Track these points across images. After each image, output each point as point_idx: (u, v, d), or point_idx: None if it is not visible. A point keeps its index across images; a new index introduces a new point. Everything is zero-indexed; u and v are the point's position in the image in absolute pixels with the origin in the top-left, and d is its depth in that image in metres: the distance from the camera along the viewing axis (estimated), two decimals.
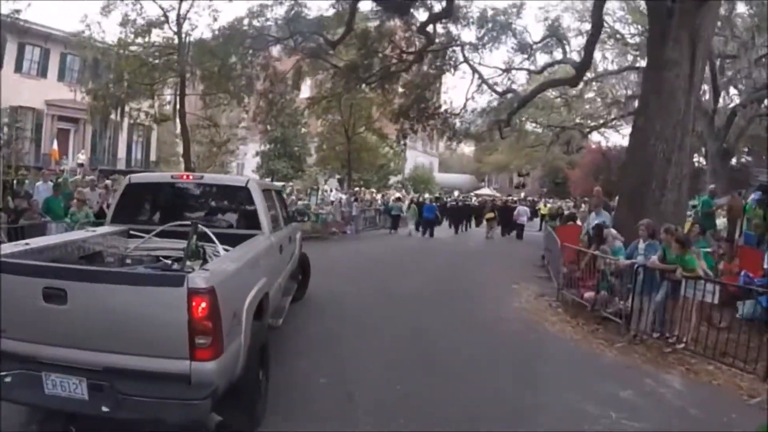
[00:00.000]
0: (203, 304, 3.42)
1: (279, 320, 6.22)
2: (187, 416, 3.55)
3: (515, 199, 36.67)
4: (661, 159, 11.51)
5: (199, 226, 5.00)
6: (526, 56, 22.85)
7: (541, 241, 22.64)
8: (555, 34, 21.25)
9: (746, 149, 34.54)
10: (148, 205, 6.43)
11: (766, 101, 27.85)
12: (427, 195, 37.67)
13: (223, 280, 3.74)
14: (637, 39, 27.65)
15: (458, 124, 26.15)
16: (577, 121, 34.48)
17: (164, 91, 20.12)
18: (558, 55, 22.87)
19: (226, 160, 39.70)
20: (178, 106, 19.32)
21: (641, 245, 8.78)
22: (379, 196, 30.88)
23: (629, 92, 31.83)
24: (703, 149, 36.05)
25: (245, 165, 45.73)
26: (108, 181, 18.99)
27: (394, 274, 13.14)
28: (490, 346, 7.68)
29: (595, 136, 40.17)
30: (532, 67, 23.46)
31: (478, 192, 56.42)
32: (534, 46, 22.11)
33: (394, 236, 24.52)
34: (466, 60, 22.23)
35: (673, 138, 11.52)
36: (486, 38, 22.39)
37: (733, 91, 30.02)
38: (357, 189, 30.97)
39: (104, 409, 3.49)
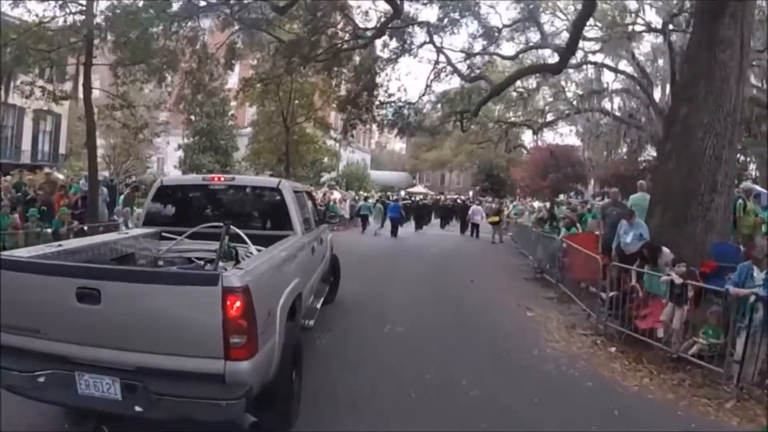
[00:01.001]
0: (238, 303, 3.36)
1: (311, 321, 6.03)
2: (221, 416, 3.41)
3: (468, 198, 34.92)
4: (710, 156, 9.41)
5: (231, 227, 4.96)
6: (492, 41, 20.43)
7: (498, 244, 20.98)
8: (532, 16, 18.93)
9: None
10: (180, 208, 6.37)
11: None
12: (362, 193, 35.14)
13: (257, 279, 3.68)
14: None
15: (413, 115, 23.44)
16: (523, 117, 32.89)
17: (67, 61, 16.13)
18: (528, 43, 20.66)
19: (144, 152, 35.36)
20: (81, 79, 15.33)
21: (758, 274, 6.38)
22: (320, 194, 27.75)
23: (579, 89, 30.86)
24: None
25: (167, 159, 41.42)
26: (8, 177, 16.02)
27: (371, 285, 10.52)
28: (567, 421, 5.14)
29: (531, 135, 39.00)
30: (501, 52, 21.08)
31: (410, 190, 54.68)
32: (503, 29, 19.72)
33: (357, 236, 23.09)
34: (431, 40, 19.49)
35: (724, 131, 9.48)
36: (448, 19, 19.82)
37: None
38: None
39: (137, 408, 3.41)
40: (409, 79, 27.72)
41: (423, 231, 28.33)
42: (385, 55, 21.80)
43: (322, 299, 7.19)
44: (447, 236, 25.50)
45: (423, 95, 22.15)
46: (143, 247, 5.66)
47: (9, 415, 4.07)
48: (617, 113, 30.96)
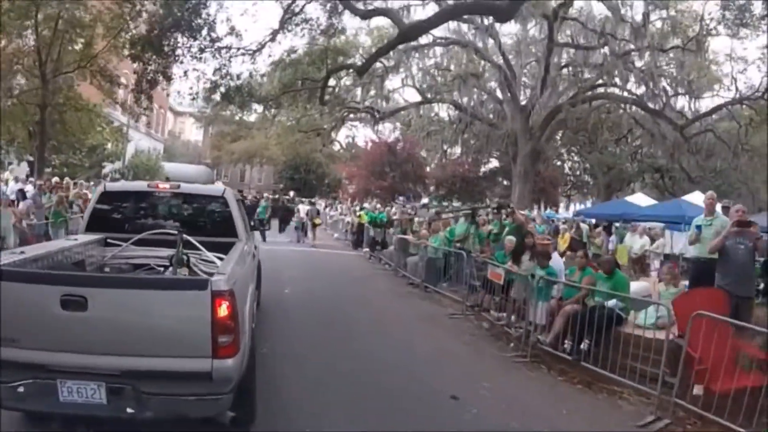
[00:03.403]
0: (225, 305, 3.51)
1: (253, 324, 5.56)
2: (210, 411, 3.62)
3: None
4: None
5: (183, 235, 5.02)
6: None
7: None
8: None
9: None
10: (124, 214, 6.27)
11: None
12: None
13: (237, 283, 3.87)
14: None
15: (246, 75, 16.33)
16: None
17: None
18: None
19: None
20: None
21: None
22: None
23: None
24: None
25: None
26: None
27: None
28: None
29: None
30: None
31: (212, 186, 46.04)
32: None
33: None
34: None
35: None
36: None
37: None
38: (56, 180, 17.91)
39: (129, 410, 3.49)
40: (245, 21, 19.96)
41: None
42: None
43: (256, 303, 6.70)
44: (282, 246, 18.77)
45: (270, 41, 15.00)
46: (90, 254, 5.51)
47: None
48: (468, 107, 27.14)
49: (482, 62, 25.44)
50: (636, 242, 14.05)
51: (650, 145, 28.08)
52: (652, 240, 14.12)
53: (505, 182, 36.64)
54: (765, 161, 20.05)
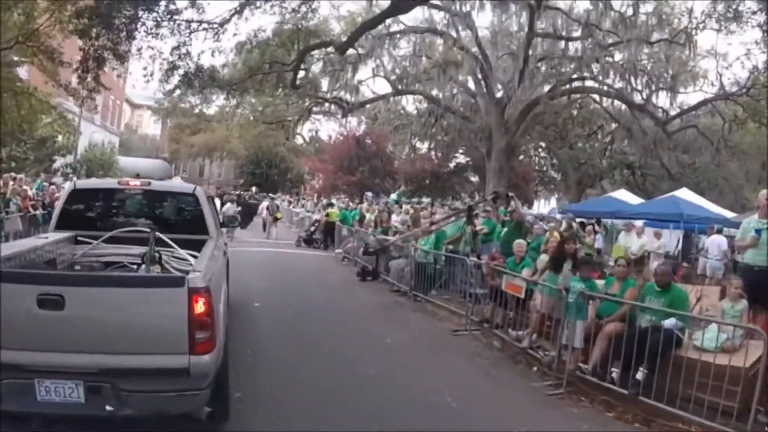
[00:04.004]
0: (202, 301, 3.52)
1: (226, 321, 5.64)
2: (188, 407, 3.62)
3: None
4: None
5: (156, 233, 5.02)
6: None
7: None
8: None
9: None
10: (94, 212, 6.27)
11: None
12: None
13: (212, 280, 3.90)
14: None
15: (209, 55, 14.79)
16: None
17: None
18: None
19: None
20: None
21: None
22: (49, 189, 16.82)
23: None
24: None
25: None
26: None
27: None
28: None
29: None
30: None
31: (169, 183, 43.74)
32: None
33: None
34: None
35: None
36: None
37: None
38: None
39: (108, 408, 3.46)
40: None
41: None
42: None
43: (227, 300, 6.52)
44: (247, 247, 17.20)
45: (237, 13, 13.45)
46: (61, 252, 5.48)
47: None
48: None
49: (457, 51, 24.33)
50: (633, 242, 13.08)
51: (623, 141, 27.48)
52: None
53: (473, 178, 35.78)
54: (749, 157, 19.53)
